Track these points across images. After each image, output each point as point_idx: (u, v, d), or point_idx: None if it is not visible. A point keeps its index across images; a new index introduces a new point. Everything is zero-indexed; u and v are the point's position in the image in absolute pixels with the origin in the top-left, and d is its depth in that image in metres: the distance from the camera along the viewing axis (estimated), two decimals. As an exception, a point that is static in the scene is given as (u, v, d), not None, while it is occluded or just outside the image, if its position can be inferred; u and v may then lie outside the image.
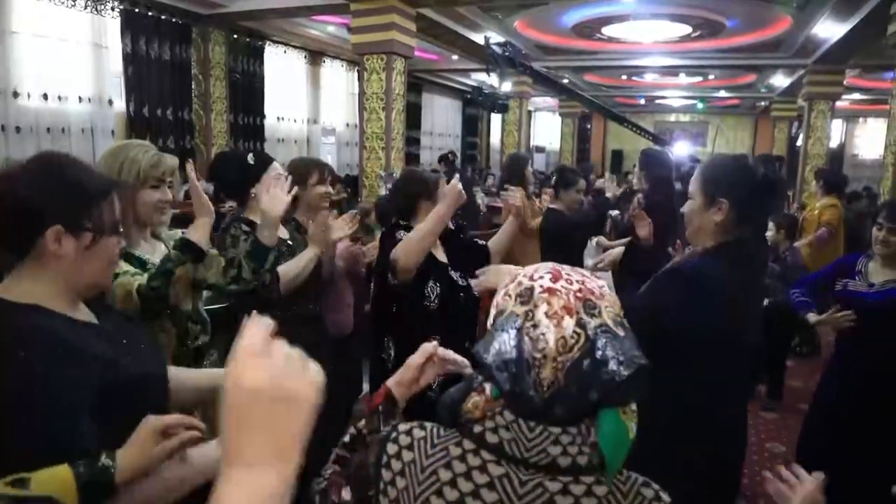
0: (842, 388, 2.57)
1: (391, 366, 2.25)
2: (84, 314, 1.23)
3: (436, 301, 2.24)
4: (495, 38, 8.64)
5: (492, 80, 3.99)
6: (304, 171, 2.55)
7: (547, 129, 20.10)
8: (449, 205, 2.20)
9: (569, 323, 0.82)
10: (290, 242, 2.32)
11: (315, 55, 10.73)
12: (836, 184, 5.54)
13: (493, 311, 0.90)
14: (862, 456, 2.41)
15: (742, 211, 1.69)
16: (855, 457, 2.42)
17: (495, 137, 16.45)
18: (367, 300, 3.03)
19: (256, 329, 0.61)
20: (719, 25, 8.68)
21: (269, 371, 0.59)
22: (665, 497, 0.86)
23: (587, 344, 0.82)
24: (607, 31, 9.30)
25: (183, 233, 2.07)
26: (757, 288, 1.85)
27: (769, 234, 4.22)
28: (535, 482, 0.82)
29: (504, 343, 0.83)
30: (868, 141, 17.29)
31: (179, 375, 1.41)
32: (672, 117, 20.32)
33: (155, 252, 1.86)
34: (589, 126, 19.87)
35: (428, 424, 0.92)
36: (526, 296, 0.86)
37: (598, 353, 0.81)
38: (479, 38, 8.92)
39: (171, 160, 1.84)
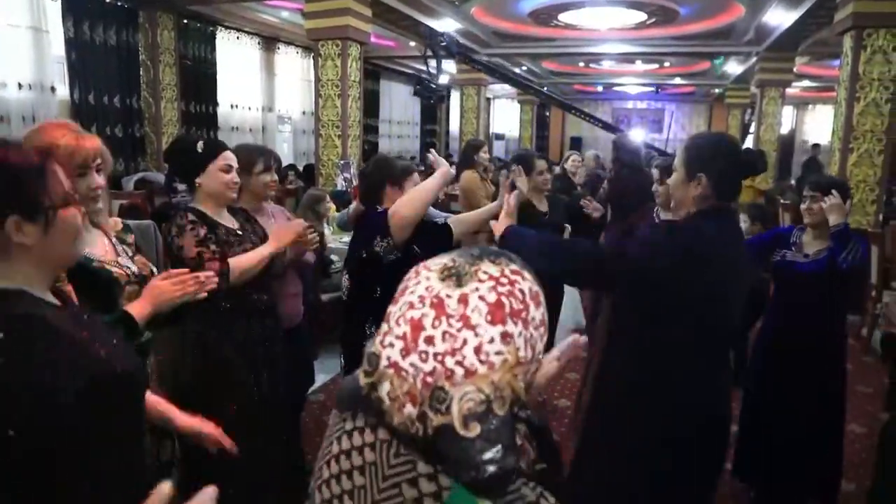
0: (775, 356, 2.77)
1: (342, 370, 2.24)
2: (52, 299, 1.21)
3: None
4: (450, 27, 8.57)
5: (433, 68, 3.99)
6: (248, 158, 2.48)
7: (506, 116, 20.12)
8: (444, 173, 2.36)
9: (410, 412, 0.71)
10: (238, 232, 2.24)
11: (269, 41, 10.50)
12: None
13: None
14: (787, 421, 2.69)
15: (718, 186, 1.79)
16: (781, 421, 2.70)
17: (454, 125, 16.38)
18: (313, 289, 2.97)
19: None
20: (673, 13, 8.77)
21: None
22: (550, 499, 0.78)
23: (423, 440, 0.71)
24: (564, 17, 9.31)
25: (125, 224, 1.97)
26: (741, 264, 1.89)
27: (743, 225, 4.39)
28: (407, 458, 0.73)
29: (348, 400, 0.78)
30: (817, 127, 17.76)
31: None
32: (629, 104, 20.55)
33: (95, 242, 1.76)
34: (548, 113, 19.98)
35: None
36: (373, 364, 0.74)
37: (436, 453, 0.71)
38: (436, 25, 8.84)
39: (91, 142, 1.68)
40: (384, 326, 0.76)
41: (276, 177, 2.61)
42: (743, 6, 8.20)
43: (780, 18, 8.14)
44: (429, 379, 0.69)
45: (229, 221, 2.25)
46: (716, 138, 1.93)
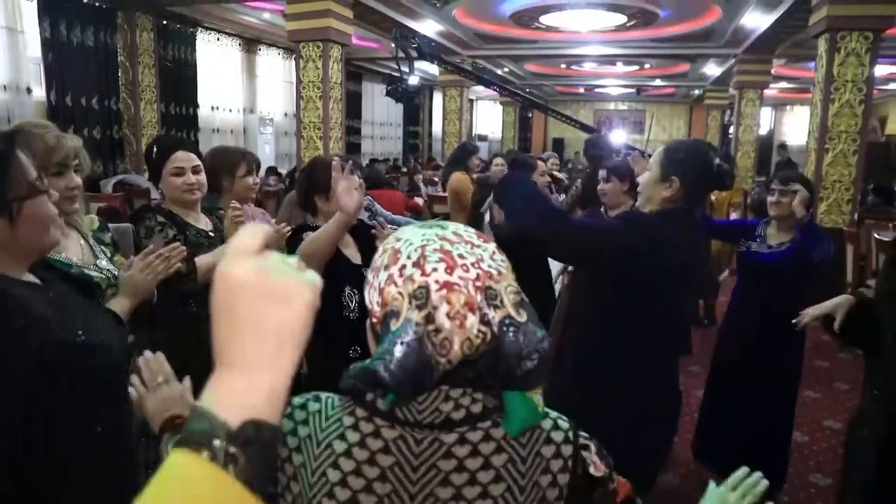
0: (737, 344, 2.88)
1: (304, 382, 2.02)
2: (30, 278, 1.25)
3: (356, 310, 2.02)
4: (431, 28, 8.57)
5: (405, 69, 3.99)
6: (231, 161, 2.46)
7: (489, 117, 20.18)
8: (344, 219, 1.89)
9: (473, 321, 0.76)
10: (211, 234, 2.22)
11: (250, 42, 10.45)
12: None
13: (375, 297, 0.80)
14: (752, 408, 2.79)
15: (687, 191, 1.90)
16: (746, 409, 2.80)
17: (437, 127, 16.40)
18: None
19: (252, 231, 0.55)
20: (653, 15, 8.85)
21: (259, 268, 0.53)
22: (563, 423, 0.86)
23: (493, 341, 0.77)
24: (545, 19, 9.36)
25: (100, 221, 1.95)
26: (692, 258, 1.98)
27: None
28: (430, 438, 0.80)
29: (407, 356, 0.73)
30: (794, 128, 18.02)
31: None
32: (611, 105, 20.70)
33: (70, 243, 1.74)
34: (530, 115, 20.05)
35: (323, 395, 0.87)
36: (422, 297, 0.76)
37: (504, 349, 0.76)
38: (417, 26, 8.84)
39: (73, 141, 1.67)
40: (398, 275, 0.79)
41: (258, 179, 2.61)
42: (720, 9, 8.29)
43: (756, 21, 8.25)
44: (477, 283, 0.78)
45: (202, 223, 2.24)
46: (696, 147, 2.00)
